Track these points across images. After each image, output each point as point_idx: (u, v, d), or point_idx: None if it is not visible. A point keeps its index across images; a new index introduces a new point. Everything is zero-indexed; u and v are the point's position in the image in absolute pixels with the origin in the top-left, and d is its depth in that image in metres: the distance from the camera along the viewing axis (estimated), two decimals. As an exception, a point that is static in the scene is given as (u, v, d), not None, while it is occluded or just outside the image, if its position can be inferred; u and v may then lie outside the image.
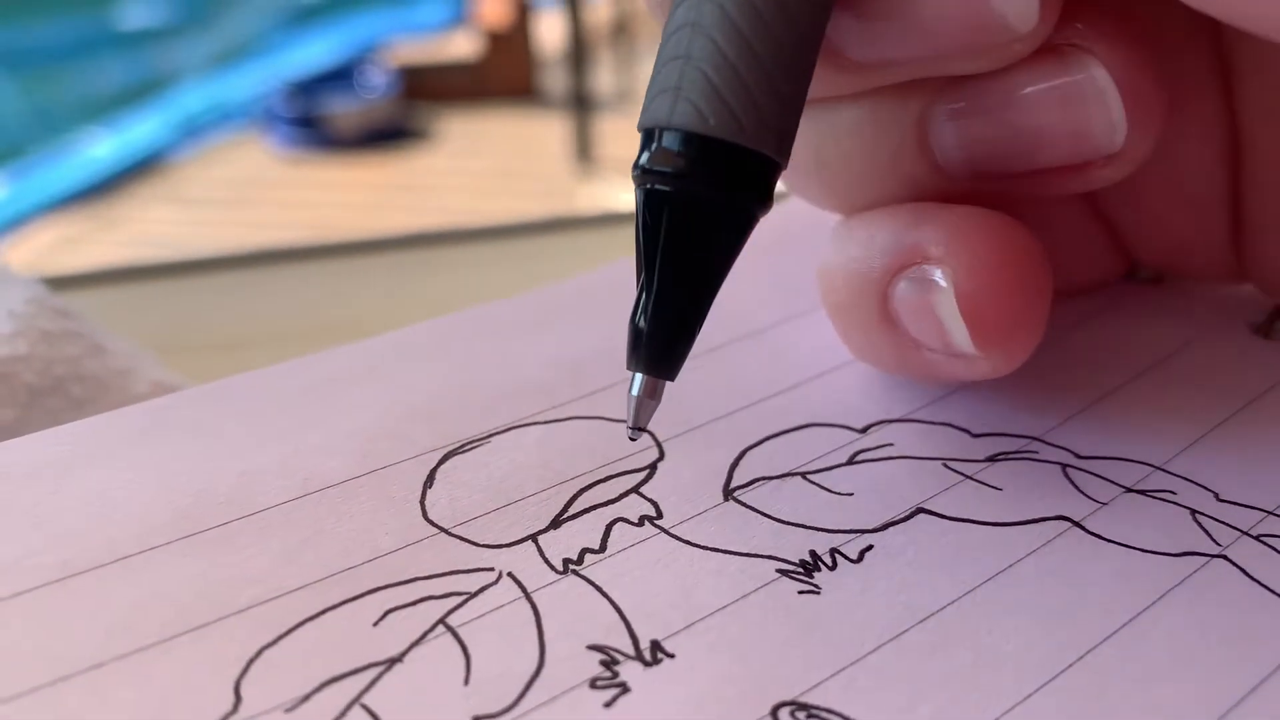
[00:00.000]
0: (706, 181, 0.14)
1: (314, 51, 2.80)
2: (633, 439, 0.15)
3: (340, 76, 2.40)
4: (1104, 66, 0.15)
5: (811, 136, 0.17)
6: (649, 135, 0.14)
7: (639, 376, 0.15)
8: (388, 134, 2.28)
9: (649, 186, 0.14)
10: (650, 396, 0.15)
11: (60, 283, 0.35)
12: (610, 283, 0.21)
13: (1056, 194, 0.17)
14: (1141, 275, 0.22)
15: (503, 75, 2.42)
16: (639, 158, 0.14)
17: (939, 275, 0.16)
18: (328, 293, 0.36)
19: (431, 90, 2.41)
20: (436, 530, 0.15)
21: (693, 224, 0.14)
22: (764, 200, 0.14)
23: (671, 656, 0.13)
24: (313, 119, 2.25)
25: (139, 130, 2.43)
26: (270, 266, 0.38)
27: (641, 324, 0.14)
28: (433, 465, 0.17)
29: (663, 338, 0.14)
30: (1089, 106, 0.15)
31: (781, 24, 0.13)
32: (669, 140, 0.14)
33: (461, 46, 2.57)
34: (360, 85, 2.34)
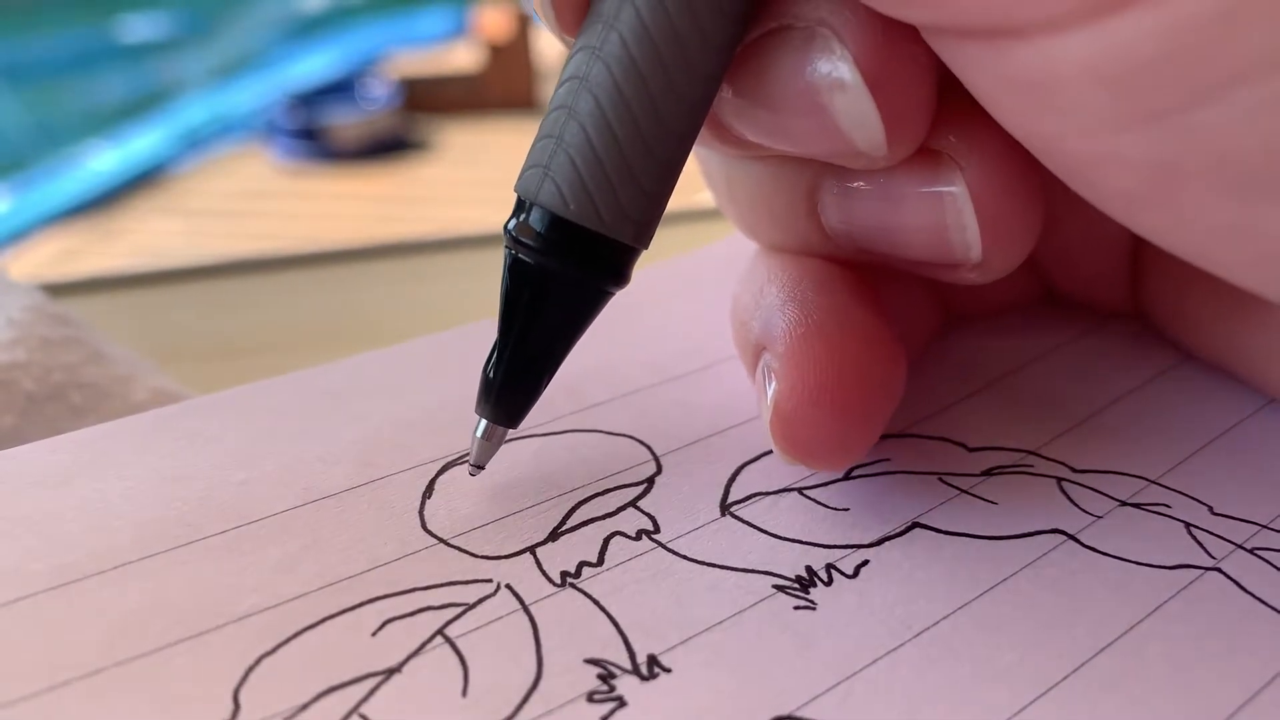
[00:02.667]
0: (562, 260, 0.14)
1: (315, 64, 2.81)
2: (472, 474, 0.16)
3: (341, 88, 2.41)
4: (967, 184, 0.15)
5: (724, 175, 0.18)
6: (521, 202, 0.15)
7: (483, 421, 0.16)
8: (389, 145, 2.29)
9: (513, 252, 0.15)
10: (490, 440, 0.16)
11: (59, 290, 0.35)
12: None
13: (930, 278, 0.17)
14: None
15: (503, 87, 2.42)
16: (509, 220, 0.15)
17: (769, 387, 0.16)
18: (327, 300, 0.37)
19: (432, 102, 2.41)
20: (435, 541, 0.15)
21: (546, 295, 0.15)
22: (617, 280, 0.15)
23: (668, 671, 0.13)
24: (314, 131, 2.26)
25: (140, 142, 2.44)
26: (270, 274, 0.38)
27: (491, 375, 0.16)
28: (431, 476, 0.17)
29: (508, 392, 0.16)
30: (947, 218, 0.15)
31: (652, 125, 0.14)
32: (534, 216, 0.14)
33: (462, 58, 2.58)
34: (361, 97, 2.35)
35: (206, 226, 2.07)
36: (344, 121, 2.26)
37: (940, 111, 0.15)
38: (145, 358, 0.24)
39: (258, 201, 2.16)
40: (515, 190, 0.15)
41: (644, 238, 0.15)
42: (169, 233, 2.04)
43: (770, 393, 0.16)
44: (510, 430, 0.16)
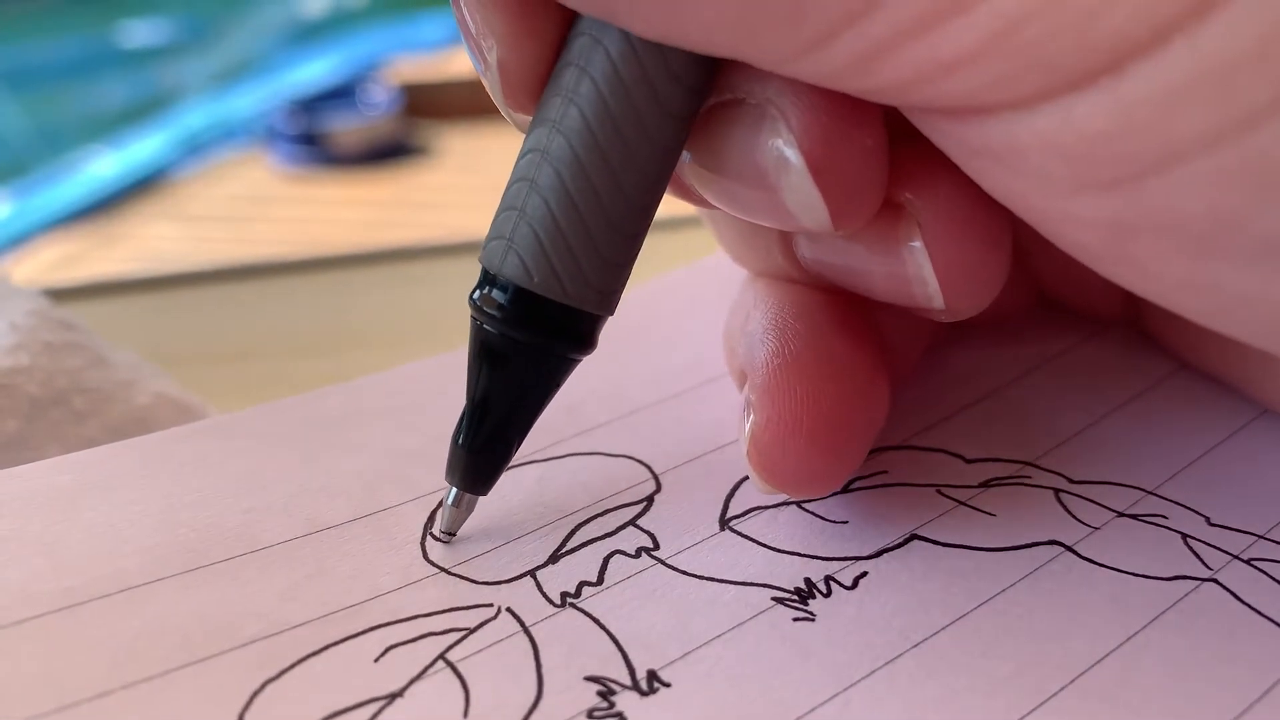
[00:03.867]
0: (528, 330, 0.15)
1: (315, 69, 2.81)
2: (443, 542, 0.16)
3: (342, 94, 2.41)
4: (923, 239, 0.15)
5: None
6: (486, 273, 0.15)
7: (454, 489, 0.16)
8: (389, 151, 2.29)
9: (478, 322, 0.15)
10: (459, 507, 0.16)
11: (62, 295, 0.36)
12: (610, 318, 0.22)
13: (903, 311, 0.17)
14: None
15: (504, 91, 2.42)
16: (474, 291, 0.15)
17: (747, 421, 0.16)
18: (329, 304, 0.37)
19: (433, 107, 2.41)
20: (437, 570, 0.16)
21: (512, 364, 0.15)
22: (583, 348, 0.15)
23: (668, 686, 0.14)
24: (315, 136, 2.26)
25: (142, 148, 2.44)
26: (272, 278, 0.39)
27: (460, 443, 0.16)
28: (433, 508, 0.17)
29: (477, 460, 0.16)
30: (908, 270, 0.15)
31: (613, 196, 0.14)
32: (498, 287, 0.14)
33: (463, 64, 2.58)
34: (362, 103, 2.35)
35: (207, 232, 2.07)
36: (345, 127, 2.26)
37: (899, 165, 0.15)
38: (148, 362, 0.24)
39: (259, 207, 2.16)
40: (480, 261, 0.15)
41: (609, 305, 0.15)
42: (170, 238, 2.04)
43: (748, 425, 0.16)
44: (481, 497, 0.16)
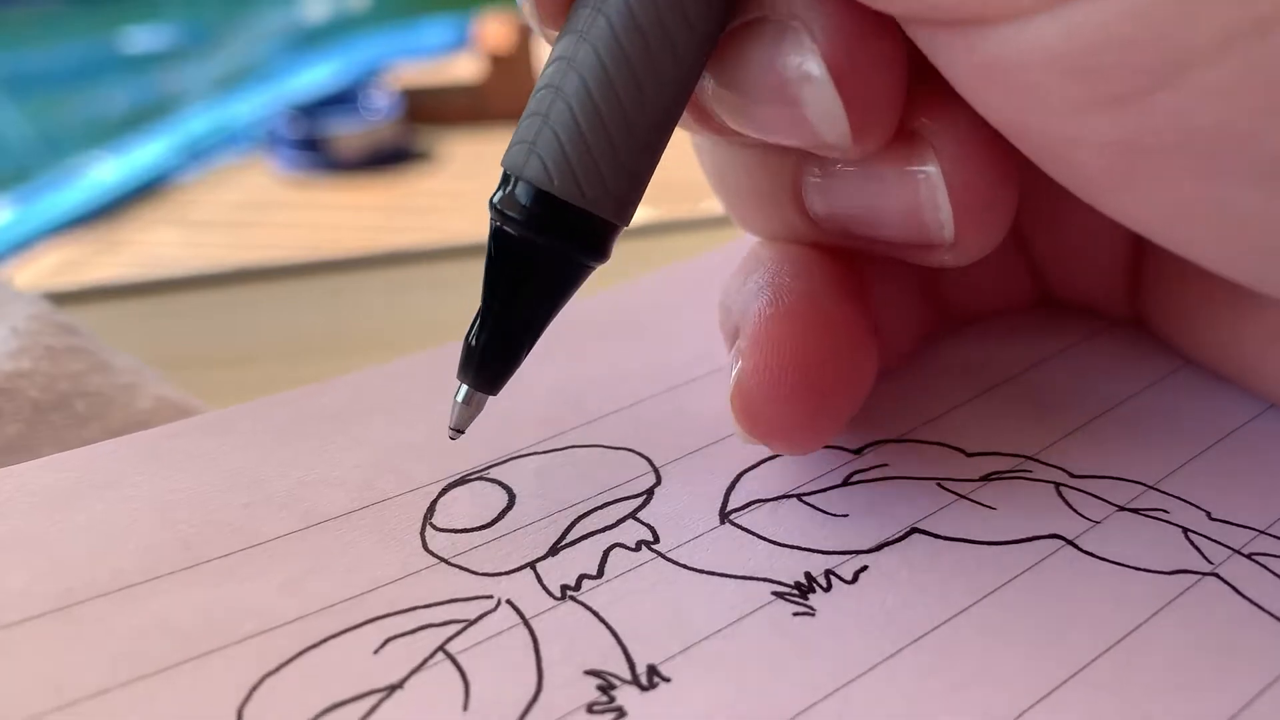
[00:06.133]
0: (544, 233, 0.15)
1: (317, 75, 2.82)
2: (452, 438, 0.17)
3: (343, 99, 2.42)
4: (940, 165, 0.15)
5: (715, 164, 0.18)
6: (506, 176, 0.15)
7: (464, 387, 0.16)
8: (390, 156, 2.30)
9: (498, 224, 0.15)
10: (469, 405, 0.16)
11: (64, 299, 0.36)
12: (609, 310, 0.22)
13: (910, 261, 0.17)
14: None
15: (504, 97, 2.43)
16: (495, 193, 0.15)
17: (733, 370, 0.16)
18: (330, 308, 0.37)
19: (434, 112, 2.42)
20: (436, 560, 0.16)
21: (528, 266, 0.15)
22: (598, 255, 0.15)
23: (668, 680, 0.14)
24: (316, 141, 2.26)
25: (144, 153, 2.44)
26: (272, 282, 0.39)
27: (474, 343, 0.16)
28: (433, 498, 0.17)
29: (489, 359, 0.16)
30: (921, 199, 0.16)
31: (635, 106, 0.14)
32: (519, 190, 0.15)
33: (464, 69, 2.59)
34: (363, 108, 2.35)
35: (209, 237, 2.07)
36: (346, 132, 2.26)
37: (916, 94, 0.15)
38: (149, 366, 0.24)
39: (260, 212, 2.16)
40: (501, 164, 0.15)
41: (625, 214, 0.15)
42: (171, 243, 2.04)
43: (734, 373, 0.16)
44: (490, 397, 0.16)
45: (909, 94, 0.15)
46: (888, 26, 0.14)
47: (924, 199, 0.16)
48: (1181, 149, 0.12)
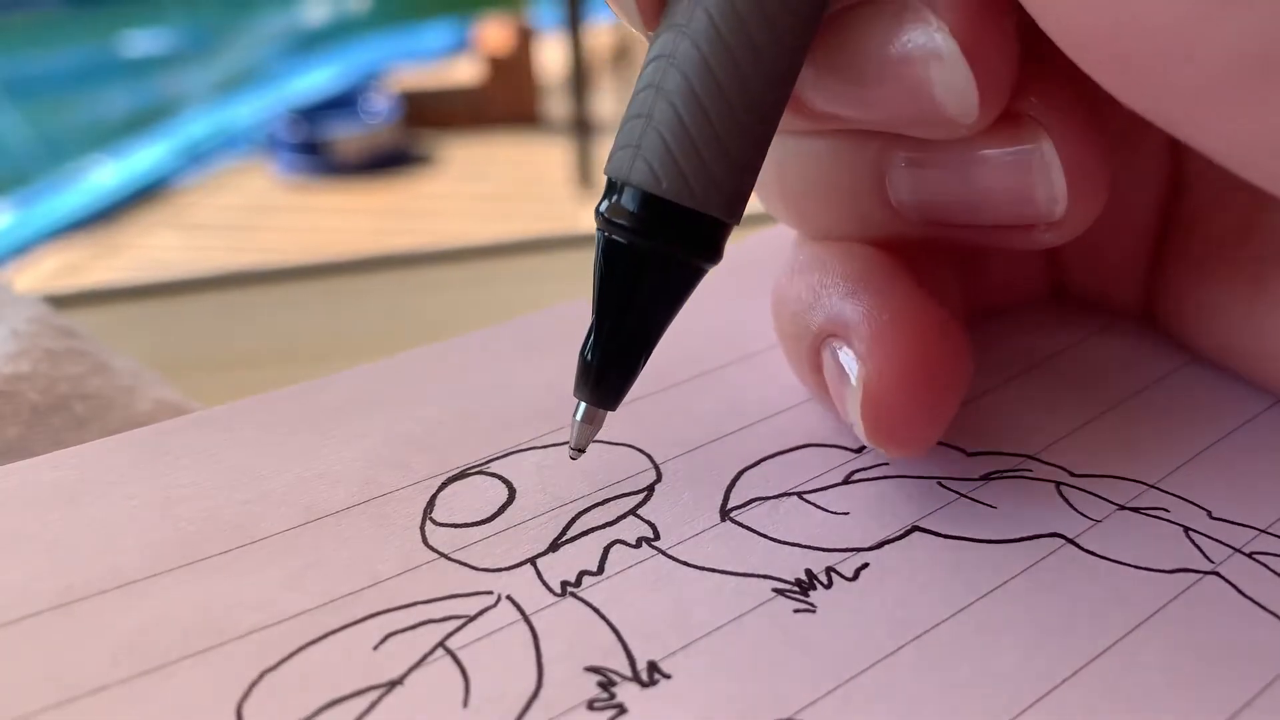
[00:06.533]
0: (656, 237, 0.15)
1: (317, 78, 2.82)
2: (573, 458, 0.17)
3: (343, 103, 2.42)
4: (1052, 141, 0.15)
5: (776, 158, 0.18)
6: (611, 184, 0.15)
7: (583, 404, 0.16)
8: (390, 159, 2.30)
9: (606, 234, 0.15)
10: (590, 423, 0.16)
11: (63, 301, 0.36)
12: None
13: (1003, 248, 0.17)
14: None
15: (505, 101, 2.43)
16: (601, 203, 0.15)
17: (853, 369, 0.16)
18: (330, 311, 0.37)
19: (434, 116, 2.42)
20: (436, 556, 0.16)
21: (642, 274, 0.15)
22: (712, 256, 0.15)
23: (668, 677, 0.13)
24: (316, 145, 2.26)
25: (144, 157, 2.45)
26: (272, 285, 0.39)
27: (589, 358, 0.15)
28: (432, 492, 0.17)
29: (607, 373, 0.16)
30: (1034, 176, 0.16)
31: (740, 98, 0.14)
32: (626, 196, 0.15)
33: (464, 72, 2.59)
34: (363, 111, 2.36)
35: (209, 240, 2.07)
36: (346, 135, 2.27)
37: (1018, 77, 0.15)
38: (149, 369, 0.24)
39: (260, 215, 2.16)
40: (605, 173, 0.15)
41: (736, 212, 0.15)
42: (171, 247, 2.04)
43: (855, 376, 0.16)
44: (609, 413, 0.16)
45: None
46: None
47: (1036, 177, 0.16)
48: None
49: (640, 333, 0.15)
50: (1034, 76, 0.15)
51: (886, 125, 0.16)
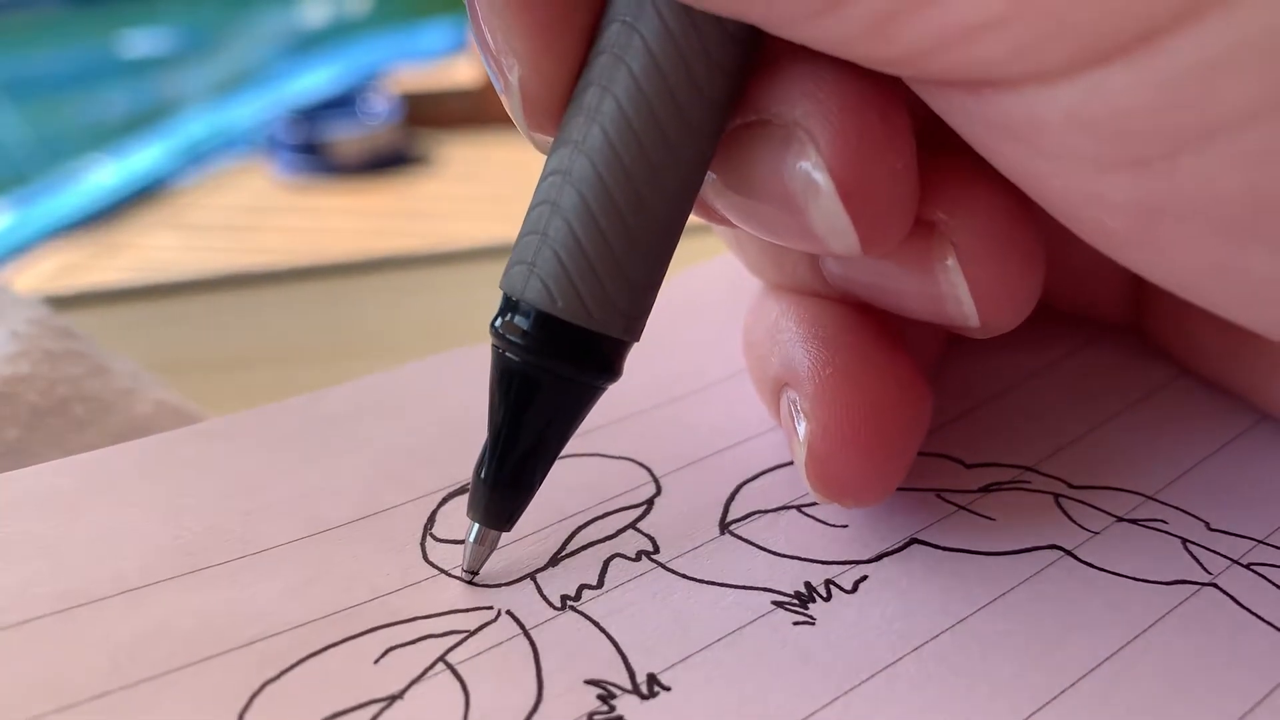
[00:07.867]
0: (552, 357, 0.14)
1: (316, 79, 2.81)
2: (469, 582, 0.16)
3: (342, 103, 2.41)
4: (958, 257, 0.15)
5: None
6: (508, 299, 0.14)
7: (476, 525, 0.15)
8: (390, 160, 2.29)
9: (500, 351, 0.14)
10: (482, 544, 0.15)
11: (63, 303, 0.36)
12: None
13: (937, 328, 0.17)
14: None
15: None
16: (495, 318, 0.14)
17: (800, 426, 0.16)
18: (328, 313, 0.37)
19: (433, 117, 2.42)
20: (437, 571, 0.16)
21: (536, 394, 0.14)
22: (609, 375, 0.15)
23: (668, 689, 0.14)
24: (315, 146, 2.26)
25: (143, 157, 2.44)
26: (272, 286, 0.39)
27: (483, 477, 0.15)
28: (433, 508, 0.17)
29: (500, 495, 0.15)
30: (942, 290, 0.15)
31: (637, 217, 0.14)
32: (521, 314, 0.14)
33: (463, 73, 2.59)
34: (362, 112, 2.35)
35: (207, 241, 2.07)
36: (345, 136, 2.26)
37: (931, 180, 0.15)
38: (148, 371, 0.24)
39: (259, 216, 2.16)
40: (501, 288, 0.14)
41: (634, 331, 0.14)
42: (170, 247, 2.04)
43: (801, 433, 0.16)
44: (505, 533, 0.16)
45: (924, 175, 0.14)
46: (899, 131, 0.14)
47: (945, 290, 0.15)
48: (1206, 212, 0.12)
49: (536, 452, 0.15)
50: (948, 178, 0.15)
51: (785, 242, 0.15)
